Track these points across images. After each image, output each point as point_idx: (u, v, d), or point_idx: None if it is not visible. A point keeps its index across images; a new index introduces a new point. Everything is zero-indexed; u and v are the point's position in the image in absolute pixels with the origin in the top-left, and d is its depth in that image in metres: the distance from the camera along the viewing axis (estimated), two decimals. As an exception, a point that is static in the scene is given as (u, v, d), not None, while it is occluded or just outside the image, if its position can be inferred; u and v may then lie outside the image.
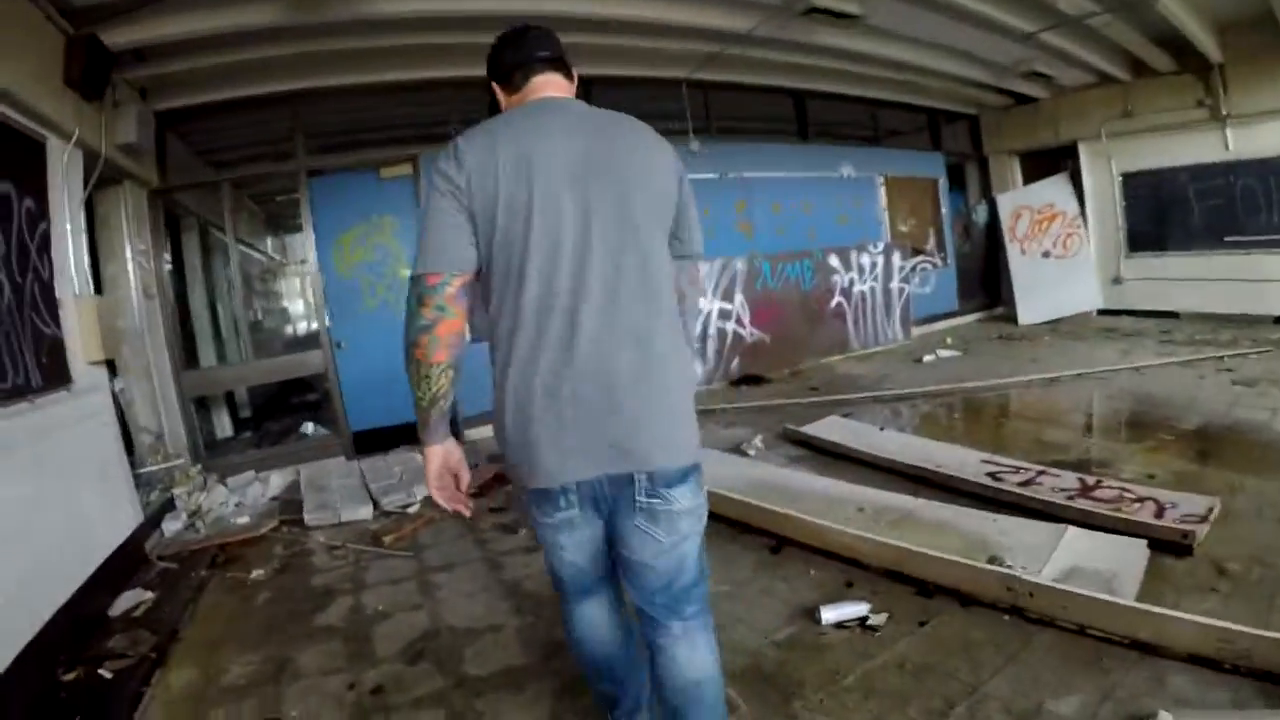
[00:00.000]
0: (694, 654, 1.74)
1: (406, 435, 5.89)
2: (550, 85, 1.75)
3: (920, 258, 9.72)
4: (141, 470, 4.83)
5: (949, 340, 8.68)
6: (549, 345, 1.57)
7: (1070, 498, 3.33)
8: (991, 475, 3.77)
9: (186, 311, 6.93)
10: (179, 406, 5.57)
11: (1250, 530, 3.01)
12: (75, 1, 3.97)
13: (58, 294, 3.81)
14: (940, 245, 10.18)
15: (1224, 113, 7.81)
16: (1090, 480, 3.52)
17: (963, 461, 4.04)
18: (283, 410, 8.56)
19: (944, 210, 10.21)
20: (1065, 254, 9.44)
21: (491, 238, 1.59)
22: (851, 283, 8.67)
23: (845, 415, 5.56)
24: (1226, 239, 8.21)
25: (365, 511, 4.68)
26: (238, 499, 5.10)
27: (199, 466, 5.40)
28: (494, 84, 1.82)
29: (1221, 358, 6.32)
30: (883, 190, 9.48)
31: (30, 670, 2.82)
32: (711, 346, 7.73)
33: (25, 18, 3.69)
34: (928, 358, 7.87)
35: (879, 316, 8.93)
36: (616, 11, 5.36)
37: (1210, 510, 3.01)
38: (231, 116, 6.10)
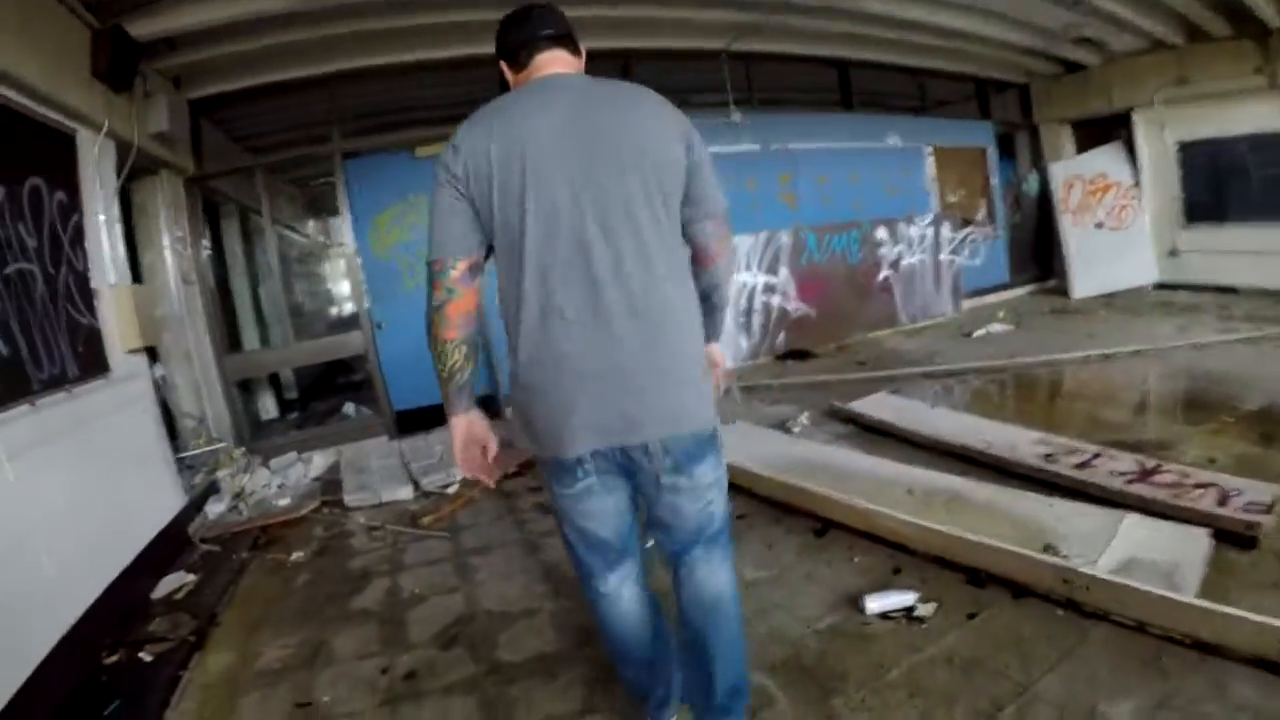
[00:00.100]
0: (713, 573, 1.84)
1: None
2: (555, 62, 1.75)
3: (970, 229, 9.38)
4: (184, 454, 4.90)
5: (1000, 314, 8.38)
6: (554, 321, 1.62)
7: (1128, 482, 3.14)
8: (1046, 456, 3.59)
9: (228, 296, 7.01)
10: (221, 390, 5.64)
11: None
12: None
13: (93, 284, 3.87)
14: (991, 216, 9.83)
15: (1284, 80, 7.34)
16: (1149, 464, 3.31)
17: (1016, 441, 3.86)
18: (328, 391, 8.67)
19: (994, 181, 9.83)
20: (1120, 225, 9.03)
21: (492, 221, 1.65)
22: (900, 255, 8.40)
23: (893, 392, 5.39)
24: (1289, 211, 7.77)
25: (405, 492, 4.70)
26: (280, 480, 5.15)
27: (242, 449, 5.46)
28: (502, 63, 1.82)
29: (1285, 335, 5.97)
30: (931, 160, 9.17)
31: (73, 654, 2.86)
32: (757, 321, 7.59)
33: (49, 12, 3.70)
34: (978, 332, 7.61)
35: (928, 289, 8.65)
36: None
37: (1276, 499, 2.80)
38: (266, 102, 6.12)
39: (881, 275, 8.30)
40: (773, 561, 3.09)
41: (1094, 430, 4.15)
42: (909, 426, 4.39)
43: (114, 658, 3.03)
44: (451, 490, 4.66)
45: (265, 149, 7.16)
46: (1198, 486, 2.98)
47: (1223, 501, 2.81)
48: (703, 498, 1.78)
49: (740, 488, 3.81)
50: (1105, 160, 9.08)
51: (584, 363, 1.61)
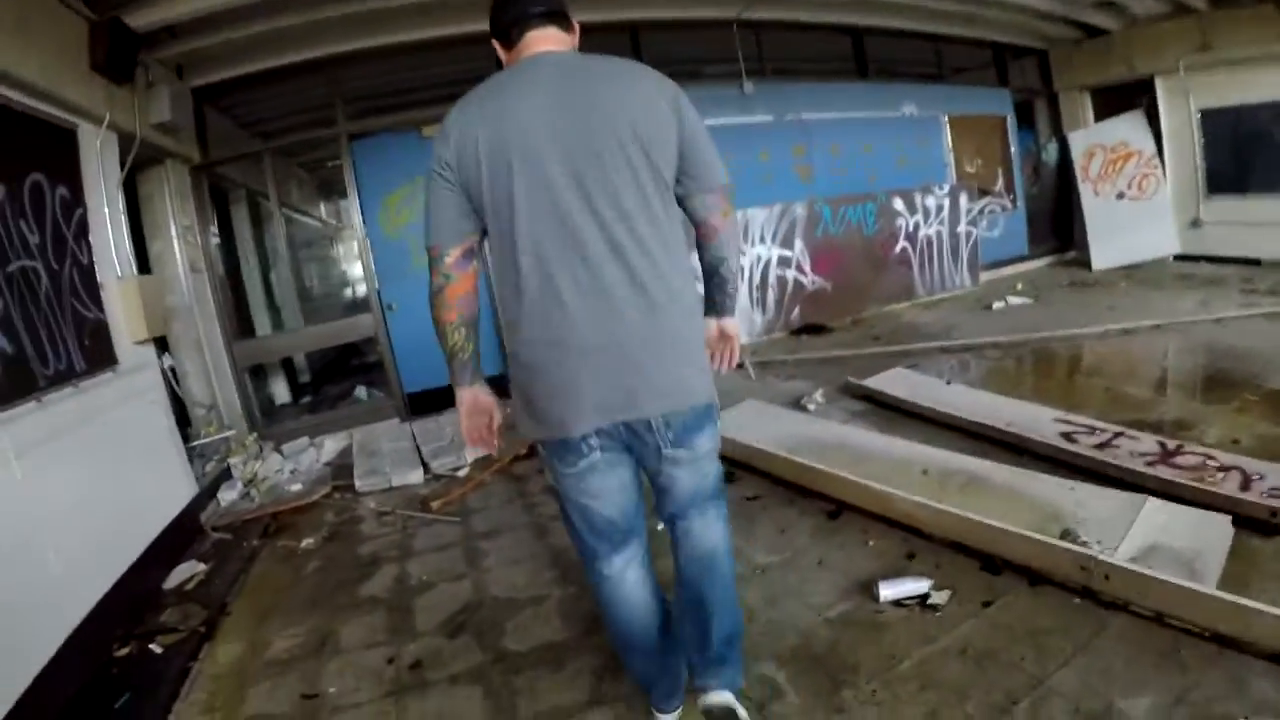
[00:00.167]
0: (707, 528, 1.89)
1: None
2: (545, 40, 1.73)
3: (988, 199, 9.23)
4: (196, 443, 4.91)
5: (1019, 286, 8.25)
6: (550, 302, 1.64)
7: (1150, 463, 3.06)
8: (1065, 436, 3.52)
9: (239, 283, 7.00)
10: (232, 377, 5.64)
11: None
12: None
13: (99, 277, 3.86)
14: (1009, 186, 9.63)
15: (1310, 47, 7.07)
16: (1171, 445, 3.23)
17: (1034, 419, 3.78)
18: (342, 373, 8.68)
19: (1013, 150, 9.60)
20: (1141, 195, 8.78)
21: (483, 205, 1.66)
22: (916, 226, 8.25)
23: (910, 367, 5.32)
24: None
25: (415, 476, 4.69)
26: (292, 466, 5.16)
27: (254, 435, 5.47)
28: (494, 40, 1.81)
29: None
30: (947, 129, 8.99)
31: (83, 649, 2.87)
32: (771, 295, 7.50)
33: (46, 8, 3.67)
34: (997, 305, 7.49)
35: (945, 261, 8.50)
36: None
37: (1300, 484, 2.71)
38: (270, 86, 6.07)
39: (898, 247, 8.18)
40: (785, 545, 3.05)
41: (1114, 408, 4.06)
42: (925, 404, 4.32)
43: (125, 650, 3.04)
44: (462, 473, 4.64)
45: (273, 134, 7.11)
46: (1221, 469, 2.90)
47: (1245, 486, 2.74)
48: (701, 467, 1.82)
49: (755, 469, 3.78)
50: (1126, 128, 8.84)
51: (585, 340, 1.62)
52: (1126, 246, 8.79)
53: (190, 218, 5.48)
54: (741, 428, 4.08)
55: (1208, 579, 2.19)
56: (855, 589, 2.64)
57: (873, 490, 3.10)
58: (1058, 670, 2.03)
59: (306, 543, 3.97)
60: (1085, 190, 9.07)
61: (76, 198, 3.79)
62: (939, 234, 8.40)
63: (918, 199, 8.23)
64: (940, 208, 8.37)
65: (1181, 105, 8.39)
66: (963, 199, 8.50)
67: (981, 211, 8.94)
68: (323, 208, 12.07)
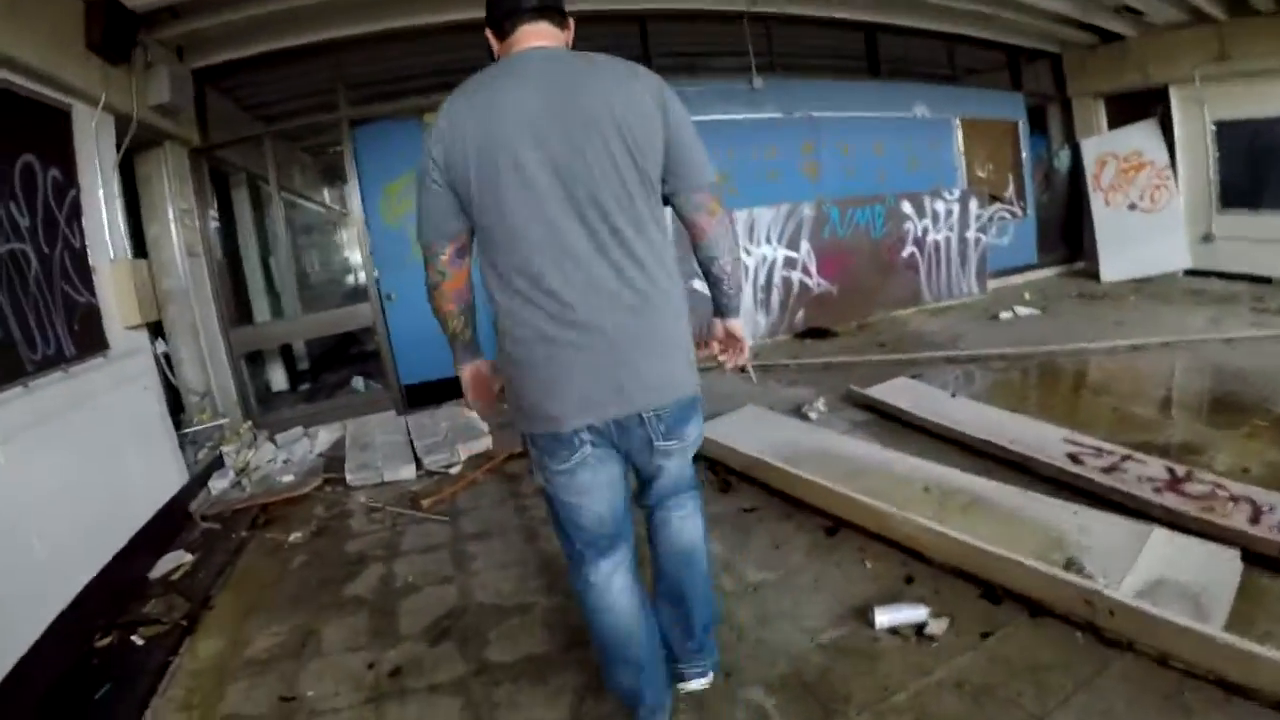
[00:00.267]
0: (686, 521, 2.05)
1: (457, 389, 5.81)
2: (536, 35, 1.73)
3: (998, 206, 9.12)
4: (189, 430, 4.85)
5: (1027, 296, 8.15)
6: (539, 300, 1.65)
7: (1157, 489, 2.97)
8: (1071, 457, 3.43)
9: (238, 268, 6.93)
10: (228, 364, 5.58)
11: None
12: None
13: (91, 261, 3.79)
14: (1020, 193, 9.49)
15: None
16: (1180, 470, 3.14)
17: (1040, 438, 3.68)
18: (341, 362, 8.61)
19: (1024, 155, 9.48)
20: (1153, 207, 8.64)
21: (471, 203, 1.68)
22: (925, 231, 8.14)
23: (914, 377, 5.22)
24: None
25: (408, 471, 4.63)
26: (285, 456, 5.10)
27: (249, 423, 5.41)
28: (488, 30, 1.80)
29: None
30: (959, 132, 8.87)
31: (65, 638, 2.83)
32: (776, 297, 7.41)
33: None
34: (1004, 315, 7.37)
35: (953, 268, 8.39)
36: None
37: (1314, 519, 2.62)
38: (272, 70, 5.99)
39: (906, 251, 8.07)
40: (779, 562, 2.97)
41: (1121, 428, 3.98)
42: (929, 417, 4.23)
43: (107, 640, 3.00)
44: (454, 471, 4.58)
45: (275, 117, 7.03)
46: (1230, 499, 2.81)
47: (1256, 518, 2.64)
48: (686, 455, 1.93)
49: (753, 479, 3.71)
50: (1140, 137, 8.70)
51: (574, 337, 1.65)
52: (1137, 259, 8.66)
53: (189, 201, 5.40)
54: (741, 434, 4.01)
55: (1215, 618, 2.11)
56: (850, 613, 2.56)
57: (872, 509, 3.02)
58: (1057, 709, 1.96)
59: (295, 536, 3.90)
60: (1096, 200, 8.94)
61: (70, 180, 3.72)
62: (948, 240, 8.29)
63: (927, 203, 8.12)
64: (950, 212, 8.25)
65: (1196, 116, 8.23)
66: (973, 204, 8.39)
67: (991, 218, 8.83)
68: (325, 193, 11.97)
